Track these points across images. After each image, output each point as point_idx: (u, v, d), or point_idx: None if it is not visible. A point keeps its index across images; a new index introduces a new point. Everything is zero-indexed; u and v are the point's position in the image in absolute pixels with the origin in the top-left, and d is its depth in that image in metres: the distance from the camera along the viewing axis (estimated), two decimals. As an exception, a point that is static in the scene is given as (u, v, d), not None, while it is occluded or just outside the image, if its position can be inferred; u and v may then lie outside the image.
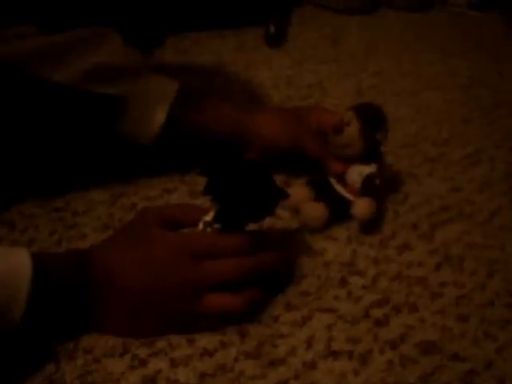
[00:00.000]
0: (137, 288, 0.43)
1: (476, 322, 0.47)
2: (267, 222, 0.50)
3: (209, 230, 0.46)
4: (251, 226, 0.47)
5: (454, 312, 0.48)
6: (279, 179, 0.61)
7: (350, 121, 0.56)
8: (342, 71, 0.90)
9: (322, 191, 0.57)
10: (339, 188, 0.57)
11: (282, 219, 0.57)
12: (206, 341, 0.44)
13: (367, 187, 0.56)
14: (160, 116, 0.56)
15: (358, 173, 0.56)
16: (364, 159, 0.57)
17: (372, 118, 0.57)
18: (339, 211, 0.56)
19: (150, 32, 0.84)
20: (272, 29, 0.98)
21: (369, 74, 0.90)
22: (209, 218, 0.46)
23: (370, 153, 0.57)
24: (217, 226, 0.46)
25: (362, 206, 0.55)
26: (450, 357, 0.44)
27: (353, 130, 0.56)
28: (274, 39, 0.98)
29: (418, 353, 0.44)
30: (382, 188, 0.57)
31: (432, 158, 0.69)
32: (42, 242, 0.52)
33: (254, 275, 0.45)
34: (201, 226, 0.46)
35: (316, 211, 0.55)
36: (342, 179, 0.57)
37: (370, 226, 0.56)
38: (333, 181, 0.57)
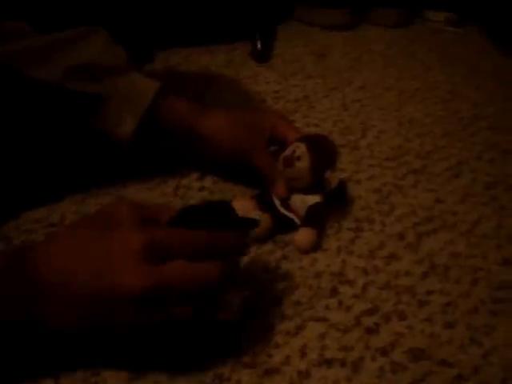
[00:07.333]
0: (88, 292, 0.38)
1: (462, 328, 0.49)
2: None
3: None
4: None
5: (440, 319, 0.49)
6: (224, 188, 0.64)
7: (302, 155, 0.55)
8: (328, 86, 0.92)
9: (267, 206, 0.57)
10: (282, 210, 0.57)
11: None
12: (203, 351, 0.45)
13: (310, 217, 0.56)
14: (135, 117, 0.55)
15: (301, 201, 0.57)
16: (310, 189, 0.57)
17: (323, 154, 0.56)
18: (283, 225, 0.57)
19: (140, 48, 0.85)
20: (259, 45, 1.00)
21: (353, 89, 0.92)
22: None
23: (317, 183, 0.57)
24: None
25: (304, 237, 0.55)
26: (439, 363, 0.45)
27: (304, 165, 0.55)
28: (261, 55, 1.00)
29: (407, 359, 0.45)
30: (325, 219, 0.58)
31: (416, 170, 0.71)
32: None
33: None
34: None
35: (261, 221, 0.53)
36: (285, 202, 0.57)
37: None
38: (276, 202, 0.57)
